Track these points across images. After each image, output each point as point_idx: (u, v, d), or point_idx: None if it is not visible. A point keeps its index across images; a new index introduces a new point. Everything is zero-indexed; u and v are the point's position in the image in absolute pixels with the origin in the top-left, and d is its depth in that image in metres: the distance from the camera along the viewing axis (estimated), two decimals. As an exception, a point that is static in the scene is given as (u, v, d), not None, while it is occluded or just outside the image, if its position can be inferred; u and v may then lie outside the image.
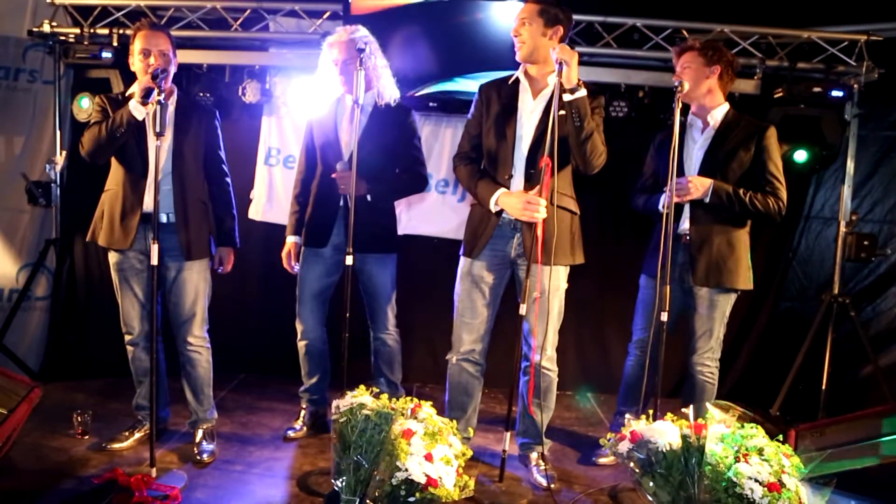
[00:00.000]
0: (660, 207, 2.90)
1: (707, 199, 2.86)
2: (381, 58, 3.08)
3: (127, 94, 2.86)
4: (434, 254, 4.13)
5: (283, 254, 3.27)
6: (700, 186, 2.85)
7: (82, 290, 4.19)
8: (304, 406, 3.37)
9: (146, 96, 2.59)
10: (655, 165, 3.14)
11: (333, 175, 3.00)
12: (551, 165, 2.59)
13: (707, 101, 2.96)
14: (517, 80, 2.84)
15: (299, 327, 3.24)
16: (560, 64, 2.55)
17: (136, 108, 2.67)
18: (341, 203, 3.06)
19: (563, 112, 2.62)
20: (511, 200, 2.73)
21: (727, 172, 2.89)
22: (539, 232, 2.67)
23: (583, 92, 2.61)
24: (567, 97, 2.60)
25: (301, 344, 3.26)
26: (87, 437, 3.08)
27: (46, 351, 4.16)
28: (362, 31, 3.05)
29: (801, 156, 3.84)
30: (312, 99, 3.27)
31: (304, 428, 3.30)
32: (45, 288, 4.20)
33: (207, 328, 3.04)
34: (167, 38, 2.84)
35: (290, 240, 3.25)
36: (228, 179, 3.09)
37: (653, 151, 3.17)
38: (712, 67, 2.92)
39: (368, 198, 3.02)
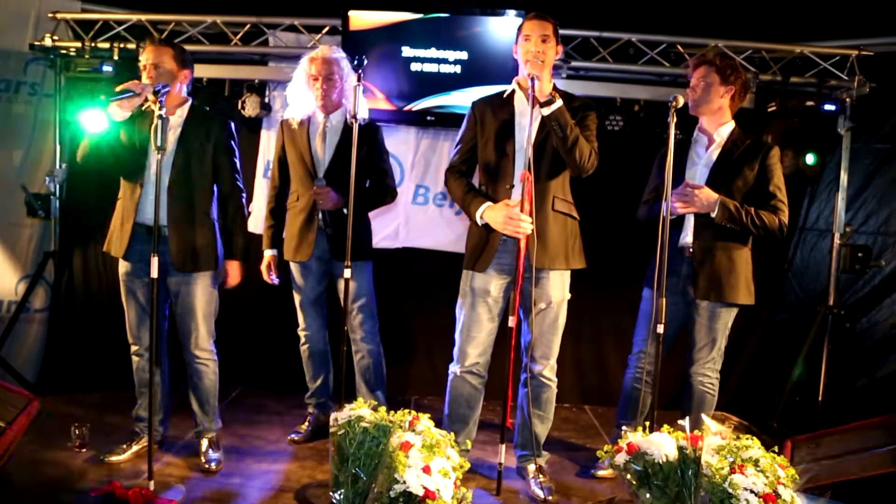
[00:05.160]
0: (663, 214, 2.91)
1: (714, 214, 2.82)
2: (352, 78, 3.10)
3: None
4: (431, 266, 4.15)
5: (263, 266, 3.34)
6: (706, 200, 2.82)
7: (80, 303, 4.19)
8: (310, 412, 3.45)
9: (120, 95, 2.67)
10: (658, 180, 3.08)
11: (312, 190, 3.12)
12: (531, 179, 2.63)
13: (716, 119, 2.97)
14: (512, 93, 2.88)
15: (303, 334, 3.35)
16: (532, 79, 2.60)
17: (113, 110, 2.73)
18: (319, 217, 3.18)
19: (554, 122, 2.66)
20: (494, 215, 2.75)
21: (732, 190, 2.89)
22: (522, 244, 2.69)
23: (558, 103, 2.65)
24: (544, 111, 2.64)
25: (304, 348, 3.37)
26: (84, 449, 3.07)
27: (44, 363, 4.16)
28: (340, 52, 3.19)
29: (810, 158, 3.86)
30: (286, 112, 3.32)
31: (309, 433, 3.36)
32: (43, 300, 4.21)
33: (214, 340, 3.06)
34: (171, 52, 2.87)
35: (269, 253, 3.33)
36: (242, 194, 3.08)
37: (656, 165, 3.15)
38: (728, 87, 2.93)
39: (345, 211, 3.08)
